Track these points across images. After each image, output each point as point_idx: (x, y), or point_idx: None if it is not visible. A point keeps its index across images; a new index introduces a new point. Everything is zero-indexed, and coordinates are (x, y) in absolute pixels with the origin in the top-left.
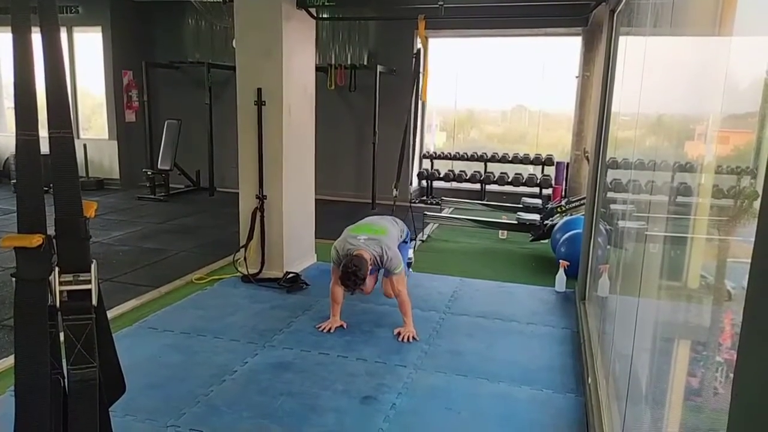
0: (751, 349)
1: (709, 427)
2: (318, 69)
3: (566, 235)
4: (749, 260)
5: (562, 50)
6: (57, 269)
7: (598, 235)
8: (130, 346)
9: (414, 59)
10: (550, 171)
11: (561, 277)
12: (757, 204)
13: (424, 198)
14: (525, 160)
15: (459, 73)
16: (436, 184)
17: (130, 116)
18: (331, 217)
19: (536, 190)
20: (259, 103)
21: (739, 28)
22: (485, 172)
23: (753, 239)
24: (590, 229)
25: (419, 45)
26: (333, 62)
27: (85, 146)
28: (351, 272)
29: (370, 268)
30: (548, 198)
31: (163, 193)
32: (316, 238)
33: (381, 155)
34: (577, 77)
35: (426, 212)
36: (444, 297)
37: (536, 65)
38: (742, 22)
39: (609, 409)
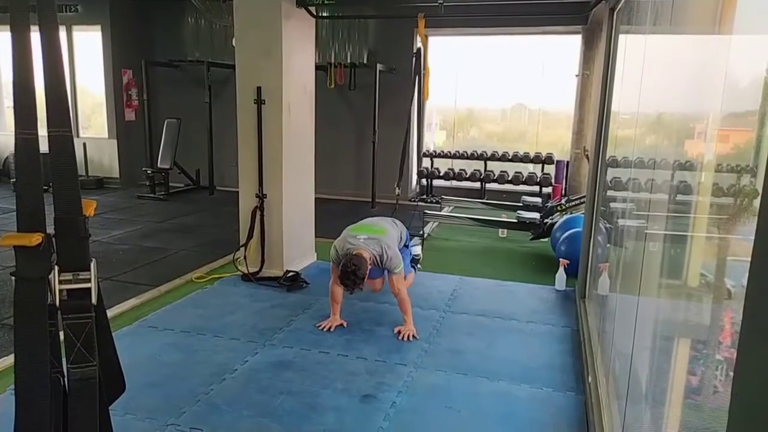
0: (751, 347)
1: (709, 426)
2: (318, 67)
3: (566, 234)
4: (749, 258)
5: (562, 49)
6: (57, 268)
7: (598, 234)
8: (130, 344)
9: (414, 58)
10: (550, 169)
11: (561, 275)
12: (756, 202)
13: (424, 197)
14: (525, 159)
15: (459, 72)
16: (436, 182)
17: (130, 115)
18: (331, 216)
19: (536, 188)
20: (259, 101)
21: (739, 27)
22: (485, 170)
23: (753, 237)
24: (590, 227)
25: (419, 44)
26: (333, 61)
27: (84, 145)
28: (350, 271)
29: (369, 267)
30: (548, 196)
31: (162, 192)
32: (315, 236)
33: (381, 154)
34: (576, 76)
35: (426, 211)
36: (444, 295)
37: (536, 64)
38: (742, 20)
39: (609, 407)
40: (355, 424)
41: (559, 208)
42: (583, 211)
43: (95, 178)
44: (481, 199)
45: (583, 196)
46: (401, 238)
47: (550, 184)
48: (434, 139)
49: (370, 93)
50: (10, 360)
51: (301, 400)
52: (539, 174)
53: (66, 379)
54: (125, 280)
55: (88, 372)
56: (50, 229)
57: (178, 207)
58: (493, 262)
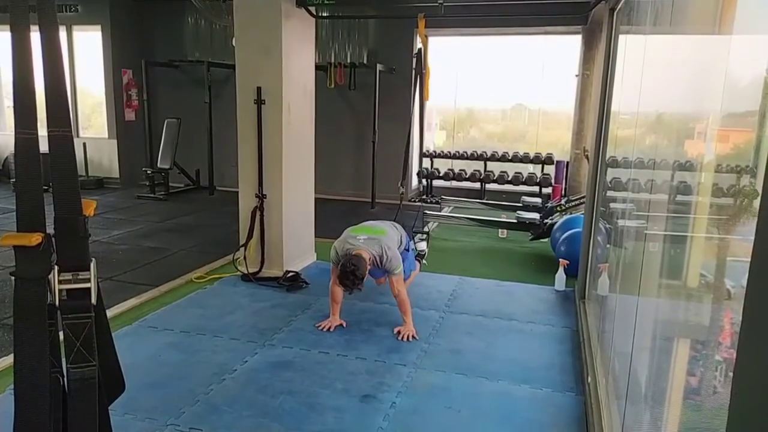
0: (751, 347)
1: (709, 426)
2: (317, 67)
3: (566, 234)
4: (749, 259)
5: (562, 49)
6: (56, 268)
7: (598, 234)
8: (129, 344)
9: (415, 59)
10: (550, 170)
11: (561, 275)
12: (756, 203)
13: (424, 197)
14: (525, 159)
15: (459, 72)
16: (436, 182)
17: (130, 115)
18: (331, 216)
19: (536, 188)
20: (259, 101)
21: (739, 27)
22: (485, 170)
23: (753, 238)
24: (590, 227)
25: (420, 44)
26: (333, 61)
27: (84, 145)
28: (350, 271)
29: (369, 268)
30: (548, 197)
31: (162, 192)
32: (315, 237)
33: (381, 154)
34: (576, 76)
35: (426, 211)
36: (443, 296)
37: (536, 64)
38: (742, 20)
39: (608, 407)
40: (355, 424)
41: (558, 208)
42: (583, 212)
43: (95, 178)
44: (481, 199)
45: (583, 197)
46: (401, 241)
47: (550, 185)
48: (434, 139)
49: (370, 93)
50: (9, 360)
51: (300, 400)
52: (539, 174)
53: (66, 379)
54: (125, 280)
55: (87, 372)
56: (50, 229)
57: (178, 207)
58: (492, 263)
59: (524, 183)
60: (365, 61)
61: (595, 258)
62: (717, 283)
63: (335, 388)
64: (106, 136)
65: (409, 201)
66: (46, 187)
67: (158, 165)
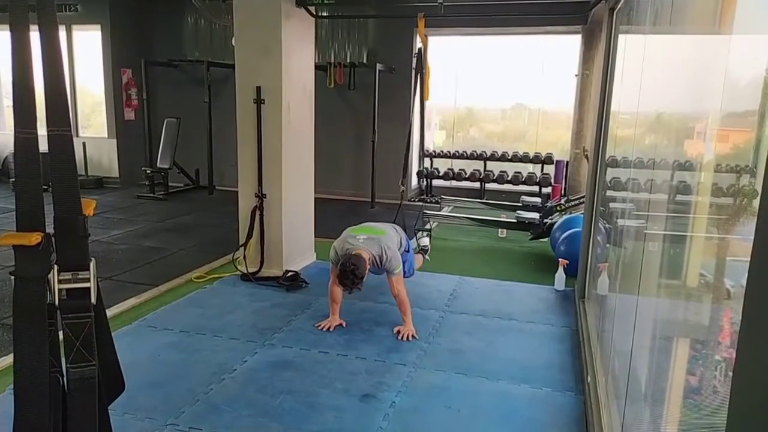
0: (751, 347)
1: (708, 426)
2: (317, 67)
3: (565, 234)
4: (748, 259)
5: (562, 48)
6: (56, 267)
7: (598, 234)
8: (129, 344)
9: (416, 58)
10: (550, 169)
11: (560, 275)
12: (756, 202)
13: (424, 197)
14: (524, 159)
15: (458, 72)
16: (436, 182)
17: (129, 114)
18: (331, 216)
19: (536, 188)
20: (258, 101)
21: (739, 26)
22: (485, 170)
23: (752, 237)
24: (589, 227)
25: (420, 44)
26: (332, 60)
27: (84, 144)
28: (349, 271)
29: (368, 267)
30: (547, 196)
31: (162, 192)
32: (315, 236)
33: (380, 154)
34: (576, 75)
35: (425, 210)
36: (443, 295)
37: (536, 63)
38: (742, 20)
39: (608, 407)
40: (355, 423)
41: (558, 208)
42: (583, 211)
43: (95, 177)
44: (481, 199)
45: (583, 196)
46: (401, 243)
47: (550, 184)
48: (434, 138)
49: (370, 93)
50: (9, 359)
51: (300, 400)
52: (539, 174)
53: (65, 379)
54: (125, 279)
55: (87, 372)
56: (50, 229)
57: (177, 207)
58: (492, 262)
59: (524, 183)
60: (365, 61)
61: (595, 257)
62: (716, 282)
63: (335, 387)
64: (106, 135)
65: (409, 201)
66: (45, 187)
67: (158, 164)
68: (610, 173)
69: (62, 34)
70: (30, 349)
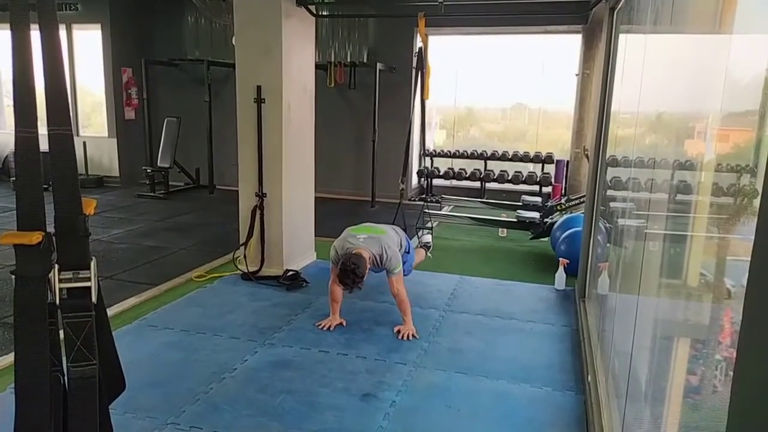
0: (751, 347)
1: (709, 425)
2: (318, 66)
3: (566, 233)
4: (749, 258)
5: (562, 48)
6: (57, 267)
7: (598, 233)
8: (129, 343)
9: (416, 58)
10: (550, 169)
11: (561, 274)
12: (756, 202)
13: (424, 196)
14: (525, 158)
15: (459, 71)
16: (436, 181)
17: (130, 114)
18: (331, 215)
19: (536, 188)
20: (259, 100)
21: (739, 26)
22: (485, 169)
23: (753, 237)
24: (590, 227)
25: (420, 43)
26: (333, 60)
27: (84, 144)
28: (350, 270)
29: (368, 267)
30: (548, 196)
31: (162, 191)
32: (315, 236)
33: (381, 153)
34: (576, 75)
35: (426, 210)
36: (443, 295)
37: (536, 63)
38: (742, 19)
39: (608, 406)
40: (355, 423)
41: (558, 207)
42: (583, 211)
43: (95, 176)
44: (481, 198)
45: (583, 196)
46: (401, 245)
47: (550, 184)
48: (434, 138)
49: (370, 92)
50: (10, 359)
51: (300, 399)
52: (539, 173)
53: (66, 378)
54: (125, 278)
55: (88, 371)
56: (50, 228)
57: (177, 206)
58: (492, 262)
59: (524, 182)
60: (365, 60)
61: (595, 257)
62: (717, 282)
63: (335, 387)
64: (106, 134)
65: (410, 200)
66: (46, 186)
67: (158, 164)
68: (611, 173)
69: (62, 33)
70: (31, 349)
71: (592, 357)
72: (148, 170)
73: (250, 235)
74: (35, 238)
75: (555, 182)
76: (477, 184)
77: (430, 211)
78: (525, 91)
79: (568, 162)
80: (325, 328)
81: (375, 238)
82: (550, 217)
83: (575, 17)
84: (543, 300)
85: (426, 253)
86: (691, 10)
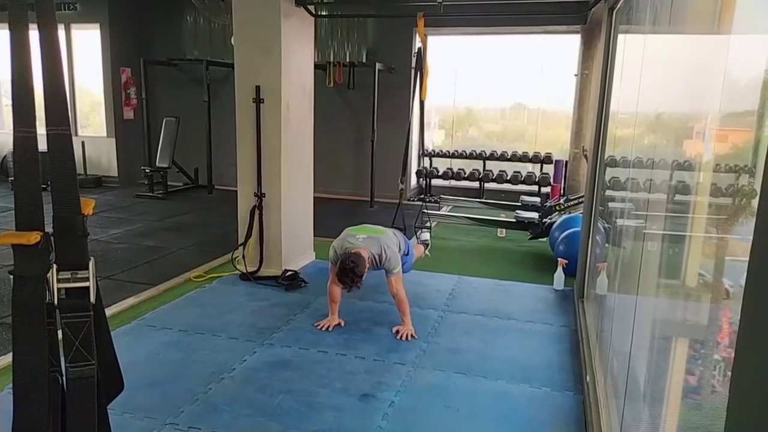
0: (750, 347)
1: (707, 425)
2: (317, 66)
3: (565, 233)
4: (747, 258)
5: (561, 48)
6: (55, 266)
7: (597, 234)
8: (128, 343)
9: (415, 58)
10: (549, 169)
11: (559, 275)
12: (755, 202)
13: (423, 196)
14: (524, 158)
15: (458, 71)
16: (435, 182)
17: (129, 114)
18: (330, 215)
19: (535, 188)
20: (258, 100)
21: (738, 26)
22: (484, 170)
23: (751, 237)
24: (589, 227)
25: (419, 43)
26: (332, 60)
27: (83, 144)
28: (349, 269)
29: (368, 267)
30: (547, 196)
31: (161, 191)
32: (314, 236)
33: (380, 153)
34: (575, 75)
35: (425, 210)
36: (442, 295)
37: (535, 63)
38: (741, 20)
39: (607, 406)
40: (354, 423)
41: (557, 207)
42: (582, 211)
43: (94, 176)
44: (480, 198)
45: (582, 196)
46: (400, 246)
47: (549, 184)
48: (433, 138)
49: (369, 92)
50: (8, 359)
51: (299, 400)
52: (538, 173)
53: (64, 378)
54: (123, 278)
55: (86, 371)
56: (49, 228)
57: (176, 206)
58: (491, 262)
59: (523, 182)
60: (364, 60)
61: (594, 257)
62: (715, 282)
63: (334, 387)
64: (105, 134)
65: (408, 200)
66: (44, 186)
67: (157, 164)
68: (609, 173)
69: (61, 33)
70: (29, 349)
71: (590, 357)
72: (147, 170)
73: (248, 235)
74: (33, 238)
75: (554, 182)
76: (476, 184)
77: (429, 211)
78: (524, 91)
79: (566, 162)
80: (323, 329)
81: (374, 238)
82: (549, 217)
83: (574, 17)
84: (542, 300)
85: (424, 251)
86: (689, 11)
